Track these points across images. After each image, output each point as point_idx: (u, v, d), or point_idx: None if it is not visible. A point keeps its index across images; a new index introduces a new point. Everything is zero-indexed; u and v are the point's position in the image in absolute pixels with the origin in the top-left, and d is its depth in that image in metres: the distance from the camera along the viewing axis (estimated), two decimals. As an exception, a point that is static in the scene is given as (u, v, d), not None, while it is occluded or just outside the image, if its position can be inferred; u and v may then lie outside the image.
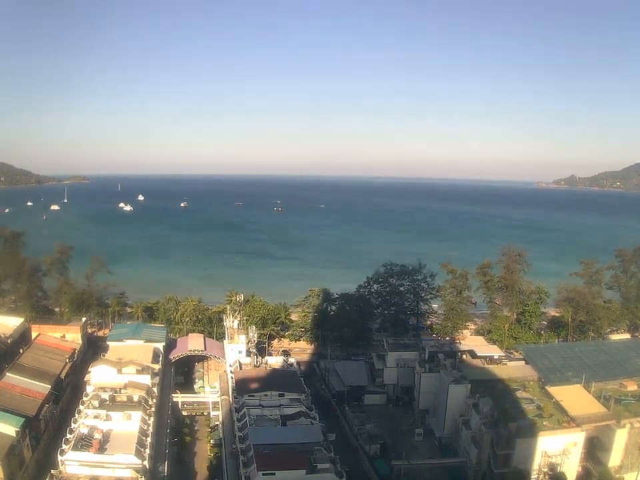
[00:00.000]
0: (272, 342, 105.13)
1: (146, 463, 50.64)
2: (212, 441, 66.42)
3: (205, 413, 74.40)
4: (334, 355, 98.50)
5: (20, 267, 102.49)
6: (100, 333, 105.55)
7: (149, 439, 54.68)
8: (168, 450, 58.50)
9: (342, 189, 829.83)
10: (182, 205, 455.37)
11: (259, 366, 73.93)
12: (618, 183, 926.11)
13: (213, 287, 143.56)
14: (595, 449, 58.52)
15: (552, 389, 64.89)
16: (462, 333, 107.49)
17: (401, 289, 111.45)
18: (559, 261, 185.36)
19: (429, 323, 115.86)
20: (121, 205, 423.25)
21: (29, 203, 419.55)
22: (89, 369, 71.21)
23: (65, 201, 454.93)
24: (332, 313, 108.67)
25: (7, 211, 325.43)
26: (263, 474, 47.91)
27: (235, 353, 77.12)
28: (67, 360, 76.70)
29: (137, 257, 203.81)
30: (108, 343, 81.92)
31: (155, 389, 66.99)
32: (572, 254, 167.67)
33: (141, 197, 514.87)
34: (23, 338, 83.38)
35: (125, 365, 69.29)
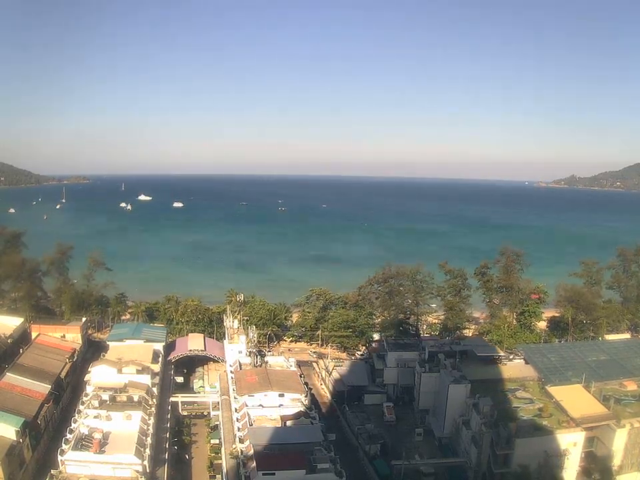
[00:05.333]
0: (272, 343, 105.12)
1: (146, 462, 50.65)
2: (212, 441, 66.44)
3: (205, 413, 74.36)
4: (334, 355, 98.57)
5: (20, 267, 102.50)
6: (99, 335, 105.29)
7: (148, 439, 54.67)
8: (168, 450, 58.53)
9: (344, 188, 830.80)
10: (175, 205, 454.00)
11: (259, 366, 73.90)
12: (618, 183, 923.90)
13: (213, 287, 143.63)
14: (594, 449, 58.56)
15: (552, 389, 64.90)
16: (461, 332, 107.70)
17: (401, 289, 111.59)
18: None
19: (430, 320, 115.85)
20: (122, 204, 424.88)
21: (11, 210, 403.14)
22: (89, 369, 71.27)
23: (64, 200, 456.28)
24: (332, 312, 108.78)
25: (11, 210, 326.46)
26: (263, 474, 47.89)
27: (234, 353, 77.04)
28: (67, 360, 76.64)
29: (137, 256, 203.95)
30: (108, 342, 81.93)
31: (154, 389, 66.96)
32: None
33: (143, 197, 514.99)
34: (22, 338, 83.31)
35: (125, 365, 69.24)
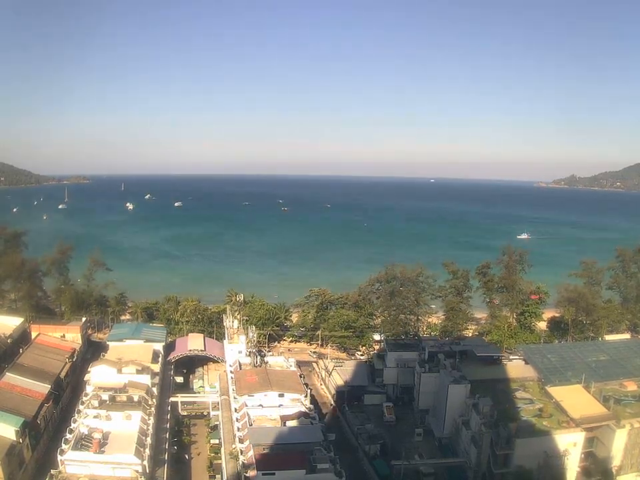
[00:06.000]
0: (272, 343, 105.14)
1: (145, 462, 50.65)
2: (212, 441, 66.43)
3: (205, 413, 74.34)
4: (334, 355, 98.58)
5: (20, 267, 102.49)
6: (99, 335, 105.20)
7: (148, 439, 54.67)
8: (168, 450, 58.50)
9: (345, 188, 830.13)
10: (176, 204, 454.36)
11: (259, 366, 73.96)
12: (618, 183, 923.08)
13: (212, 287, 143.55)
14: (594, 450, 58.51)
15: (552, 389, 64.83)
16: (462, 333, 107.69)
17: (402, 289, 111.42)
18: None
19: (430, 320, 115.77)
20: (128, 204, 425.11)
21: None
22: (89, 369, 71.27)
23: (66, 200, 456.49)
24: (332, 313, 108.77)
25: (14, 210, 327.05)
26: (263, 474, 47.96)
27: (234, 353, 77.08)
28: (67, 360, 76.65)
29: (137, 256, 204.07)
30: (108, 342, 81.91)
31: (154, 389, 66.96)
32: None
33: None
34: (22, 338, 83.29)
35: (125, 365, 69.26)
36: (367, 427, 69.86)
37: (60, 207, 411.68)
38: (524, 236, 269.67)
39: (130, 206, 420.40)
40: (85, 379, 69.31)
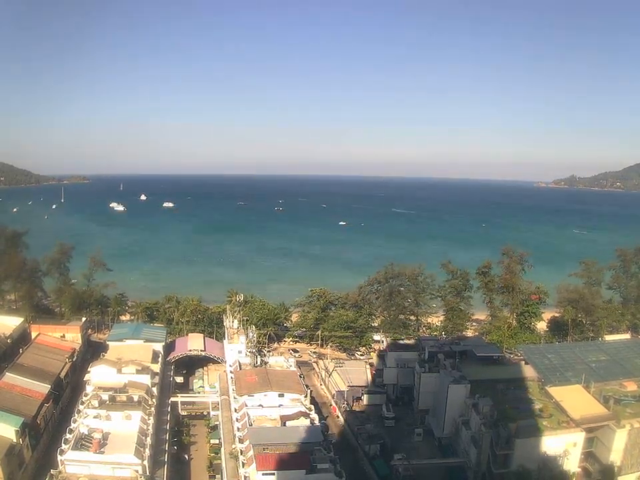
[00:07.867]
0: (272, 343, 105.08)
1: (145, 462, 50.65)
2: (211, 441, 66.42)
3: (205, 413, 74.31)
4: (334, 355, 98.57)
5: (20, 267, 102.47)
6: (99, 335, 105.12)
7: (148, 439, 54.66)
8: (167, 450, 58.46)
9: (344, 188, 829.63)
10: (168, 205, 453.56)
11: (259, 366, 73.93)
12: (618, 183, 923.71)
13: (212, 287, 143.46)
14: (594, 450, 58.53)
15: (552, 389, 64.85)
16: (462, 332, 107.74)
17: (401, 289, 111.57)
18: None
19: (430, 320, 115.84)
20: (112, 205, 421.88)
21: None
22: (89, 369, 71.25)
23: (62, 200, 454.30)
24: (332, 313, 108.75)
25: (15, 210, 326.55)
26: (263, 474, 47.97)
27: (234, 353, 77.09)
28: (67, 360, 76.66)
29: (136, 256, 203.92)
30: (108, 342, 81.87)
31: (154, 389, 66.95)
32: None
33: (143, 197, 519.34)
34: (22, 338, 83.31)
35: (125, 365, 69.24)
36: (367, 427, 69.86)
37: (54, 207, 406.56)
38: None
39: (120, 207, 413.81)
40: (84, 378, 69.32)
